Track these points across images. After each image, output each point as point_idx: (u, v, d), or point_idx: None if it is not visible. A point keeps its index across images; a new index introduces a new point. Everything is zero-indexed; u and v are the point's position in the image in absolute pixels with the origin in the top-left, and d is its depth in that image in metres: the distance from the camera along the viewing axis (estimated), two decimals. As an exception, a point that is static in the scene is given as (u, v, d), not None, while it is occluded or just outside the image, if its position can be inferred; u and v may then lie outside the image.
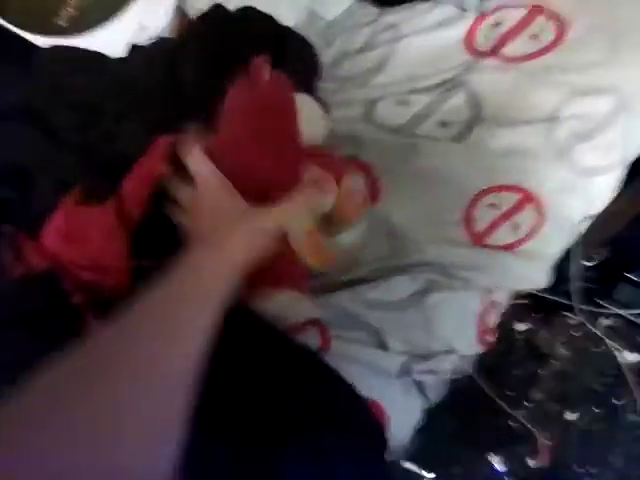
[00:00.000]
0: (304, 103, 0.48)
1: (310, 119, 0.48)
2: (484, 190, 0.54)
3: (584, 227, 0.58)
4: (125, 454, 0.26)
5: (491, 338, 0.55)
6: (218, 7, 0.59)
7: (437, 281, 0.51)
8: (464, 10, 0.62)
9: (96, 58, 0.59)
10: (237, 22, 0.59)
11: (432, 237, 0.53)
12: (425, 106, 0.58)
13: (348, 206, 0.51)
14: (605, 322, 0.95)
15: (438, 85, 0.59)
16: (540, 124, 0.54)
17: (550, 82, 0.55)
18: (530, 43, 0.57)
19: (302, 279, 0.49)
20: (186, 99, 0.53)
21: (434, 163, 0.55)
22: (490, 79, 0.57)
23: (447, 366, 0.51)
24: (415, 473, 0.91)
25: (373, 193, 0.56)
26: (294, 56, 0.54)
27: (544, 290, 0.59)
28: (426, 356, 0.50)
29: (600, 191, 0.55)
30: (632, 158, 0.56)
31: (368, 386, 0.47)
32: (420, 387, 0.51)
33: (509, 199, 0.53)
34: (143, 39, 0.60)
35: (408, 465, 0.91)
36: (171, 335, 0.32)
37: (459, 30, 0.61)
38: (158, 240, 0.45)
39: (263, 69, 0.43)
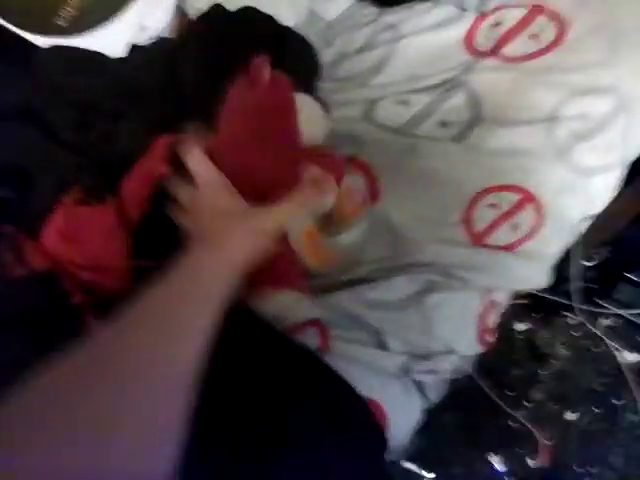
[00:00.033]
0: (304, 103, 0.48)
1: (310, 119, 0.48)
2: (484, 190, 0.54)
3: (584, 227, 0.58)
4: (125, 454, 0.26)
5: (491, 338, 0.55)
6: (218, 7, 0.59)
7: (437, 281, 0.51)
8: (464, 10, 0.62)
9: (96, 58, 0.59)
10: (237, 22, 0.59)
11: (432, 237, 0.53)
12: (425, 106, 0.58)
13: (348, 206, 0.51)
14: (605, 322, 0.95)
15: (438, 85, 0.59)
16: (540, 124, 0.54)
17: (550, 82, 0.55)
18: (530, 43, 0.57)
19: (301, 279, 0.49)
20: (186, 99, 0.53)
21: (434, 163, 0.55)
22: (490, 79, 0.57)
23: (447, 366, 0.51)
24: (415, 473, 0.91)
25: (373, 193, 0.56)
26: (294, 56, 0.54)
27: (544, 290, 0.60)
28: (426, 356, 0.50)
29: (600, 191, 0.55)
30: (632, 158, 0.56)
31: (368, 386, 0.47)
32: (420, 387, 0.51)
33: (509, 199, 0.53)
34: (143, 39, 0.60)
35: (408, 465, 0.91)
36: (171, 335, 0.32)
37: (459, 30, 0.61)
38: (158, 240, 0.45)
39: (263, 69, 0.43)
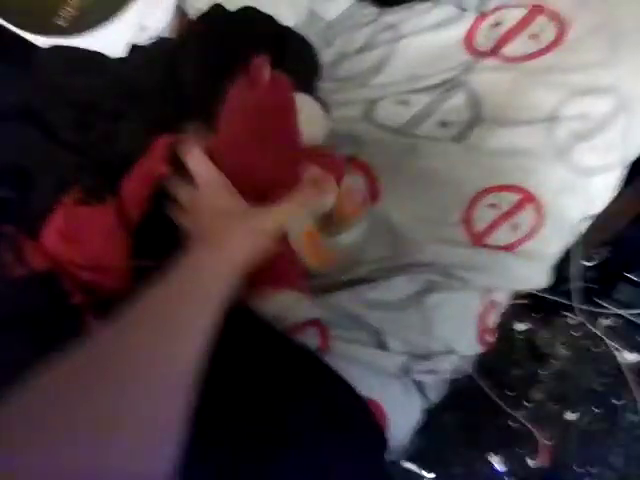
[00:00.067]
0: (304, 103, 0.48)
1: (310, 119, 0.48)
2: (484, 190, 0.53)
3: (584, 227, 0.58)
4: (125, 454, 0.26)
5: (491, 338, 0.55)
6: (218, 7, 0.59)
7: (437, 281, 0.51)
8: (464, 10, 0.62)
9: (96, 58, 0.59)
10: (237, 22, 0.59)
11: (432, 237, 0.53)
12: (425, 106, 0.58)
13: (348, 206, 0.51)
14: (605, 322, 0.95)
15: (438, 85, 0.59)
16: (540, 124, 0.54)
17: (550, 82, 0.55)
18: (530, 43, 0.57)
19: (301, 279, 0.49)
20: (186, 99, 0.53)
21: (434, 163, 0.55)
22: (490, 79, 0.57)
23: (447, 366, 0.51)
24: (415, 473, 0.91)
25: (373, 193, 0.56)
26: (294, 56, 0.54)
27: (544, 290, 0.60)
28: (426, 356, 0.50)
29: (600, 191, 0.55)
30: (632, 158, 0.56)
31: (368, 386, 0.47)
32: (420, 387, 0.51)
33: (509, 199, 0.53)
34: (143, 39, 0.60)
35: (408, 465, 0.91)
36: (171, 335, 0.32)
37: (459, 30, 0.61)
38: (158, 240, 0.45)
39: (263, 69, 0.43)
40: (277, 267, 0.44)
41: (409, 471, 0.91)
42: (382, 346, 0.49)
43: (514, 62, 0.57)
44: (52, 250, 0.45)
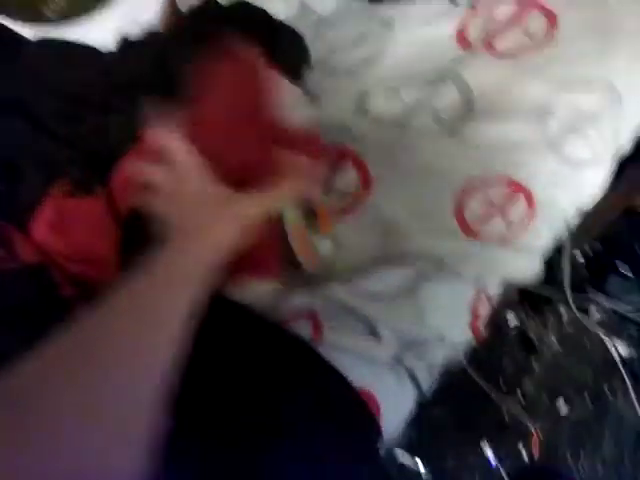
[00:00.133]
0: (284, 88, 0.47)
1: (291, 103, 0.47)
2: (476, 182, 0.54)
3: (575, 219, 0.58)
4: (109, 438, 0.26)
5: (483, 327, 0.55)
6: (210, 0, 0.59)
7: (429, 272, 0.51)
8: (456, 4, 0.63)
9: (85, 51, 0.58)
10: (228, 15, 0.59)
11: (424, 229, 0.53)
12: (417, 99, 0.58)
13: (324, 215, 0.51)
14: (597, 315, 0.96)
15: (430, 78, 0.59)
16: (532, 117, 0.54)
17: (541, 75, 0.56)
18: (521, 36, 0.58)
19: (277, 266, 0.49)
20: (175, 92, 0.52)
21: (426, 155, 0.55)
22: (482, 72, 0.58)
23: (439, 355, 0.52)
24: (409, 467, 0.92)
25: (365, 185, 0.56)
26: (283, 46, 0.54)
27: (536, 282, 0.60)
28: (418, 345, 0.50)
29: (591, 183, 0.56)
30: (623, 151, 0.57)
31: (360, 376, 0.48)
32: (413, 377, 0.51)
33: (500, 191, 0.53)
34: (133, 31, 0.60)
35: (403, 460, 0.91)
36: (154, 322, 0.32)
37: (451, 24, 0.61)
38: (148, 232, 0.45)
39: (235, 47, 0.42)
40: (257, 255, 0.44)
41: (403, 465, 0.91)
42: (374, 336, 0.49)
43: (506, 55, 0.57)
44: (41, 242, 0.45)
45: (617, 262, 0.91)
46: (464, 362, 0.80)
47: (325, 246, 0.54)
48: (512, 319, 0.95)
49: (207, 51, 0.40)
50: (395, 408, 0.50)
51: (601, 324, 0.95)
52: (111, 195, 0.46)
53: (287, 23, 0.61)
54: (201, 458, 0.39)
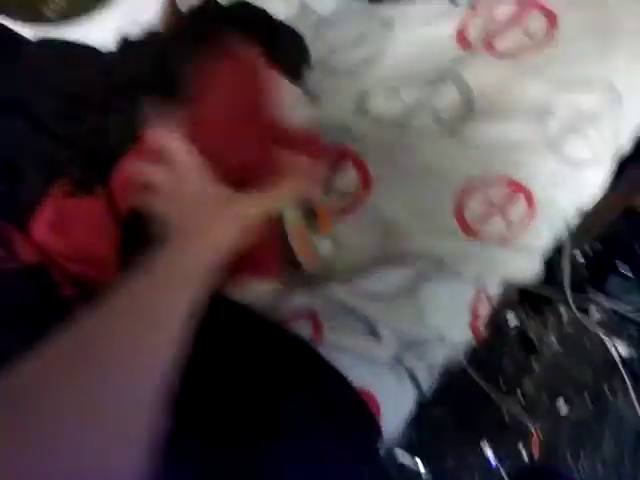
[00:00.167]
0: (284, 88, 0.47)
1: (291, 103, 0.47)
2: (476, 182, 0.54)
3: (575, 219, 0.58)
4: (109, 438, 0.26)
5: (483, 327, 0.55)
6: (210, 0, 0.59)
7: (429, 272, 0.51)
8: (456, 4, 0.63)
9: (86, 51, 0.58)
10: (229, 16, 0.59)
11: (424, 229, 0.53)
12: (417, 99, 0.58)
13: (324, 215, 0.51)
14: (597, 315, 0.96)
15: (430, 78, 0.59)
16: (532, 117, 0.54)
17: (542, 75, 0.56)
18: (521, 36, 0.58)
19: (277, 266, 0.49)
20: (175, 92, 0.52)
21: (426, 155, 0.55)
22: (482, 72, 0.58)
23: (439, 354, 0.52)
24: (409, 466, 0.92)
25: (365, 184, 0.56)
26: (283, 45, 0.54)
27: (536, 282, 0.60)
28: (418, 345, 0.50)
29: (591, 183, 0.56)
30: (623, 151, 0.57)
31: (360, 375, 0.48)
32: (413, 377, 0.51)
33: (500, 191, 0.53)
34: (133, 31, 0.60)
35: (403, 460, 0.91)
36: (154, 322, 0.32)
37: (451, 24, 0.61)
38: (148, 232, 0.45)
39: (236, 49, 0.42)
40: (257, 255, 0.44)
41: (404, 465, 0.91)
42: (374, 335, 0.49)
43: (506, 55, 0.57)
44: (41, 242, 0.45)
45: (617, 262, 0.91)
46: (464, 362, 0.80)
47: (325, 246, 0.54)
48: (512, 319, 0.95)
49: (207, 51, 0.40)
50: (395, 408, 0.50)
51: (601, 324, 0.95)
52: (111, 195, 0.46)
53: (287, 23, 0.61)
54: (201, 458, 0.39)
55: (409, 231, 0.53)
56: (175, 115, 0.40)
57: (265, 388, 0.45)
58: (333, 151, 0.55)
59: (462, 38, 0.60)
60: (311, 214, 0.52)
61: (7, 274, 0.44)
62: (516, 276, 0.55)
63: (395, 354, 0.50)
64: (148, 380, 0.29)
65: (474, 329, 0.53)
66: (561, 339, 0.96)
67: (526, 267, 0.55)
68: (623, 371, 0.93)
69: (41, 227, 0.45)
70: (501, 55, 0.58)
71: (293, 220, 0.50)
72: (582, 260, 0.94)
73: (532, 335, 0.95)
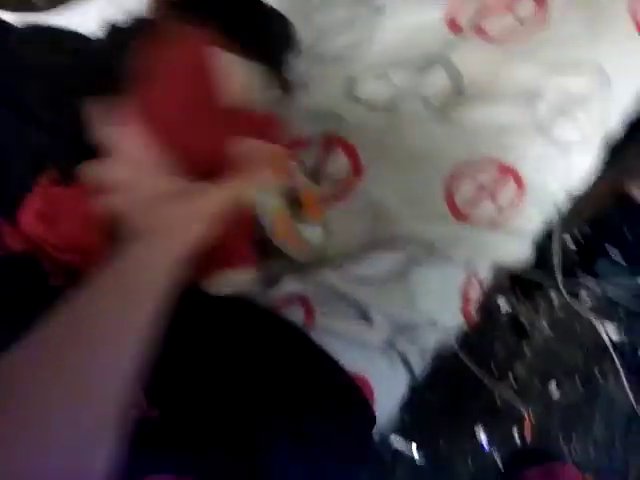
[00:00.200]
0: (233, 64, 0.45)
1: (241, 81, 0.45)
2: (466, 166, 0.54)
3: (565, 203, 0.58)
4: (98, 419, 0.26)
5: (474, 311, 0.55)
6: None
7: (420, 256, 0.51)
8: (446, -12, 0.62)
9: (72, 37, 0.57)
10: (216, 1, 0.58)
11: (415, 213, 0.53)
12: (406, 83, 0.58)
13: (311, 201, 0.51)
14: (588, 299, 0.97)
15: (420, 62, 0.58)
16: (521, 100, 0.54)
17: (533, 58, 0.56)
18: (511, 20, 0.58)
19: (251, 256, 0.49)
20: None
21: (416, 141, 0.55)
22: (472, 56, 0.57)
23: (431, 338, 0.52)
24: (403, 451, 0.93)
25: (355, 170, 0.56)
26: (272, 30, 0.53)
27: (527, 267, 0.60)
28: (410, 329, 0.51)
29: (580, 166, 0.56)
30: (612, 134, 0.57)
31: (353, 360, 0.48)
32: (405, 362, 0.52)
33: (490, 175, 0.53)
34: (119, 17, 0.59)
35: (396, 445, 0.92)
36: (136, 300, 0.31)
37: (441, 8, 0.61)
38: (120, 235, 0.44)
39: (185, 35, 0.40)
40: (229, 246, 0.43)
41: (397, 450, 0.92)
42: (366, 320, 0.50)
43: (496, 39, 0.57)
44: (30, 232, 0.45)
45: (607, 246, 0.92)
46: (456, 347, 0.81)
47: (316, 233, 0.54)
48: (503, 304, 0.96)
49: (152, 38, 0.39)
50: (388, 392, 0.51)
51: (592, 308, 0.96)
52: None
53: (276, 8, 0.60)
54: (201, 458, 0.39)
55: (400, 216, 0.53)
56: (123, 109, 0.38)
57: (259, 375, 0.45)
58: (319, 137, 0.55)
59: (452, 22, 0.60)
60: (296, 202, 0.52)
61: (-5, 263, 0.43)
62: (506, 259, 0.55)
63: (387, 338, 0.50)
64: (131, 358, 0.29)
65: (465, 313, 0.54)
66: (552, 324, 0.97)
67: (516, 250, 0.55)
68: (614, 354, 0.94)
69: (29, 216, 0.45)
70: (491, 38, 0.58)
71: (277, 209, 0.50)
72: (572, 244, 0.95)
73: (523, 320, 0.96)
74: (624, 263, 0.91)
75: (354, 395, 0.49)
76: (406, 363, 0.51)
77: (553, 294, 0.96)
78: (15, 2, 0.57)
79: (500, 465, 0.93)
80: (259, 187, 0.42)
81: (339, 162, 0.57)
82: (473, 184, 0.53)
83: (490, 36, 0.57)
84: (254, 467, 0.40)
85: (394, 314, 0.50)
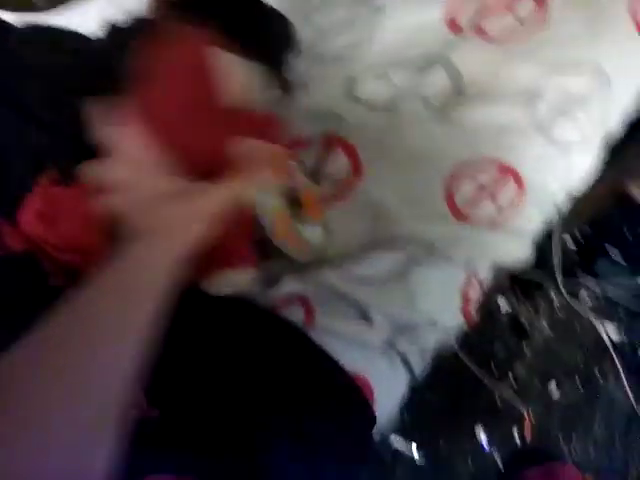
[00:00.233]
0: (233, 64, 0.45)
1: (241, 81, 0.45)
2: (465, 166, 0.54)
3: (565, 203, 0.58)
4: (97, 419, 0.26)
5: (474, 311, 0.55)
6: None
7: (420, 256, 0.52)
8: (446, -12, 0.62)
9: (72, 37, 0.57)
10: (216, 0, 0.58)
11: (415, 213, 0.53)
12: (407, 83, 0.58)
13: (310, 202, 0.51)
14: (588, 299, 0.97)
15: (420, 64, 0.58)
16: (521, 100, 0.54)
17: (533, 58, 0.56)
18: (511, 20, 0.58)
19: (251, 256, 0.49)
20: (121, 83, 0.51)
21: (416, 139, 0.55)
22: (472, 56, 0.57)
23: (431, 338, 0.52)
24: (403, 451, 0.93)
25: (355, 170, 0.56)
26: (271, 30, 0.53)
27: (527, 267, 0.60)
28: (410, 329, 0.51)
29: (579, 166, 0.56)
30: (612, 134, 0.57)
31: (353, 360, 0.48)
32: (405, 362, 0.52)
33: (490, 174, 0.53)
34: (120, 18, 0.59)
35: (396, 445, 0.92)
36: (136, 300, 0.31)
37: (441, 8, 0.61)
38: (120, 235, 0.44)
39: (184, 35, 0.40)
40: (229, 246, 0.43)
41: (397, 451, 0.92)
42: (366, 320, 0.50)
43: (496, 39, 0.57)
44: (30, 232, 0.45)
45: (606, 246, 0.92)
46: (456, 347, 0.81)
47: (316, 233, 0.54)
48: (503, 304, 0.96)
49: (152, 39, 0.39)
50: (388, 393, 0.51)
51: (592, 308, 0.96)
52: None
53: (277, 9, 0.60)
54: (201, 458, 0.39)
55: (400, 216, 0.53)
56: (123, 109, 0.38)
57: (258, 375, 0.45)
58: (319, 137, 0.55)
59: (453, 22, 0.60)
60: (296, 202, 0.52)
61: (-5, 263, 0.43)
62: (506, 260, 0.55)
63: (387, 338, 0.50)
64: (131, 358, 0.29)
65: (465, 313, 0.54)
66: (552, 324, 0.97)
67: (516, 250, 0.55)
68: (614, 354, 0.94)
69: (29, 216, 0.45)
70: (491, 38, 0.58)
71: (277, 209, 0.50)
72: (572, 244, 0.95)
73: (523, 320, 0.96)
74: (624, 263, 0.91)
75: (354, 395, 0.49)
76: (406, 363, 0.51)
77: (553, 294, 0.96)
78: (15, 2, 0.57)
79: (500, 465, 0.93)
80: (259, 187, 0.42)
81: (339, 162, 0.57)
82: (473, 184, 0.53)
83: (490, 36, 0.57)
84: (254, 467, 0.40)
85: (394, 314, 0.50)
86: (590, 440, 0.95)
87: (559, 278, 0.79)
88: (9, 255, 0.44)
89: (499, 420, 0.94)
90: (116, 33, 0.58)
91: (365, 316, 0.50)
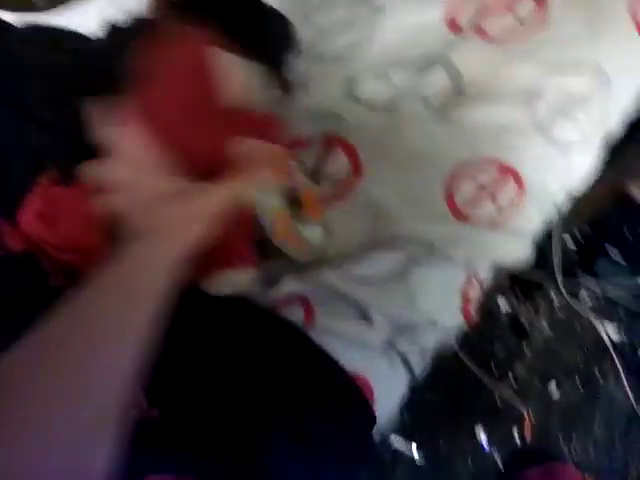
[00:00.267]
0: (233, 64, 0.45)
1: (241, 80, 0.45)
2: (465, 166, 0.54)
3: (564, 203, 0.58)
4: (98, 419, 0.26)
5: (474, 311, 0.55)
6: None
7: (420, 256, 0.52)
8: (446, -12, 0.62)
9: (73, 37, 0.57)
10: (216, 0, 0.58)
11: (415, 213, 0.53)
12: (407, 83, 0.58)
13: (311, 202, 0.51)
14: (588, 299, 0.97)
15: (419, 64, 0.58)
16: (521, 100, 0.54)
17: (533, 58, 0.56)
18: (511, 20, 0.58)
19: (251, 256, 0.49)
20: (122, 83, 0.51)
21: (416, 139, 0.56)
22: (472, 56, 0.58)
23: (431, 338, 0.52)
24: (402, 451, 0.93)
25: (355, 170, 0.56)
26: (271, 30, 0.53)
27: (527, 267, 0.60)
28: (410, 329, 0.51)
29: (579, 166, 0.56)
30: (612, 134, 0.57)
31: (353, 360, 0.48)
32: (405, 362, 0.52)
33: (490, 174, 0.53)
34: (119, 17, 0.59)
35: (396, 445, 0.92)
36: (136, 300, 0.31)
37: (441, 8, 0.61)
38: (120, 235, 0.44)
39: (184, 35, 0.40)
40: (229, 246, 0.43)
41: (397, 451, 0.92)
42: (366, 320, 0.50)
43: (496, 39, 0.57)
44: (30, 232, 0.45)
45: (606, 246, 0.92)
46: (456, 347, 0.81)
47: (316, 233, 0.54)
48: (503, 304, 0.96)
49: (152, 38, 0.39)
50: (388, 393, 0.51)
51: (592, 308, 0.96)
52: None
53: (277, 9, 0.60)
54: (201, 458, 0.40)
55: (400, 216, 0.53)
56: (123, 109, 0.38)
57: (258, 374, 0.45)
58: (320, 137, 0.55)
59: (453, 22, 0.60)
60: (296, 202, 0.52)
61: (-5, 263, 0.43)
62: (506, 259, 0.55)
63: (387, 338, 0.50)
64: (131, 358, 0.29)
65: (465, 313, 0.54)
66: (552, 324, 0.97)
67: (516, 250, 0.55)
68: (614, 354, 0.94)
69: (29, 216, 0.45)
70: (491, 38, 0.58)
71: (277, 209, 0.50)
72: (572, 244, 0.95)
73: (523, 320, 0.96)
74: (624, 263, 0.91)
75: (354, 395, 0.49)
76: (406, 363, 0.51)
77: (553, 294, 0.96)
78: (15, 2, 0.57)
79: (500, 465, 0.93)
80: (259, 187, 0.42)
81: (339, 162, 0.57)
82: (473, 184, 0.53)
83: (490, 36, 0.57)
84: (254, 467, 0.40)
85: (394, 314, 0.50)
86: (590, 440, 0.95)
87: (559, 278, 0.79)
88: (9, 255, 0.44)
89: (499, 420, 0.94)
90: (116, 33, 0.58)
91: (365, 316, 0.50)
